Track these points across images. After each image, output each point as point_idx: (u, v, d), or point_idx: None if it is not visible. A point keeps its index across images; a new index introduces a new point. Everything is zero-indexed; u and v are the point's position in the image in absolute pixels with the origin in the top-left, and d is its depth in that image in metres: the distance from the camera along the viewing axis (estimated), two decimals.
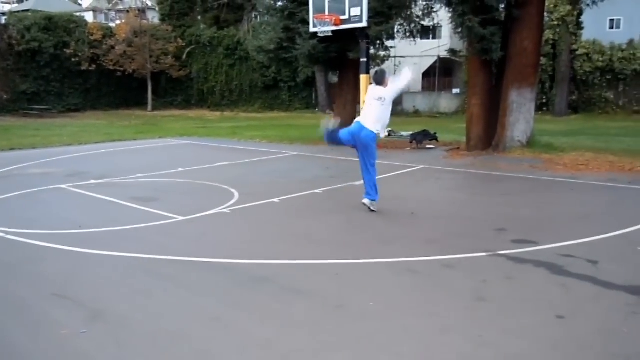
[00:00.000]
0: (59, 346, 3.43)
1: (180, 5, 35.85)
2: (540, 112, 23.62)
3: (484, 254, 5.17)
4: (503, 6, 12.29)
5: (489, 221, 6.53)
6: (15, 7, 58.72)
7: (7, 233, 5.96)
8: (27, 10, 39.16)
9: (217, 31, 35.57)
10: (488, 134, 12.83)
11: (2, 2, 66.92)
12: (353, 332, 3.59)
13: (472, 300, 4.08)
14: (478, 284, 4.39)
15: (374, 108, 6.89)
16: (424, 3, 14.82)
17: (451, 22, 12.49)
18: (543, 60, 23.97)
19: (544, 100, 27.88)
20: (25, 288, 4.41)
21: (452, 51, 16.34)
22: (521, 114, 12.20)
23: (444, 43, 31.70)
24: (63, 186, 8.89)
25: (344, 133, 7.04)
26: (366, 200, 7.00)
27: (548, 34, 25.94)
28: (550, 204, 7.64)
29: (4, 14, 43.41)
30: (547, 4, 19.81)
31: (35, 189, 8.62)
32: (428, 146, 14.29)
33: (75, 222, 6.48)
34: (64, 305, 4.07)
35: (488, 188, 9.12)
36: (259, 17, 34.86)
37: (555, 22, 26.74)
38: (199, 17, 38.24)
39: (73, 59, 30.38)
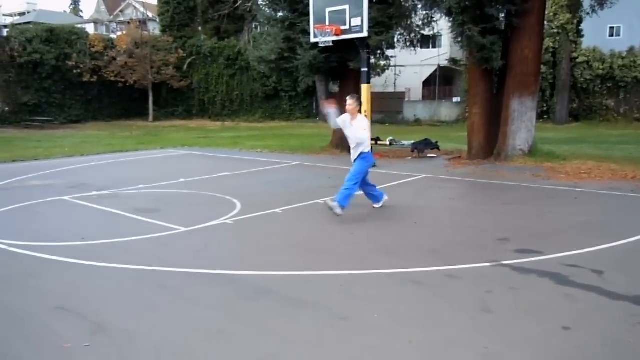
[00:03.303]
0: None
1: (181, 16, 36.04)
2: (540, 120, 23.64)
3: (487, 264, 5.15)
4: (503, 15, 12.34)
5: (492, 231, 6.51)
6: (17, 19, 59.18)
7: (9, 245, 5.96)
8: (29, 23, 39.49)
9: (218, 42, 35.76)
10: (489, 143, 12.85)
11: (4, 15, 67.39)
12: (358, 345, 3.56)
13: (477, 311, 4.06)
14: (482, 295, 4.37)
15: None
16: (424, 13, 14.86)
17: (451, 32, 12.53)
18: (543, 69, 24.04)
19: (545, 109, 27.94)
20: (29, 301, 4.39)
21: (452, 60, 16.38)
22: (523, 123, 12.21)
23: (444, 52, 31.83)
24: (65, 198, 8.89)
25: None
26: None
27: (548, 42, 26.05)
28: (553, 213, 7.62)
29: (5, 26, 43.69)
30: (546, 12, 19.90)
31: (38, 201, 8.62)
32: (429, 155, 14.29)
33: (78, 234, 6.47)
34: (67, 318, 4.05)
35: (490, 197, 9.11)
36: (259, 28, 35.04)
37: (555, 30, 26.86)
38: (200, 28, 38.45)
39: (74, 71, 30.53)
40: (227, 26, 36.85)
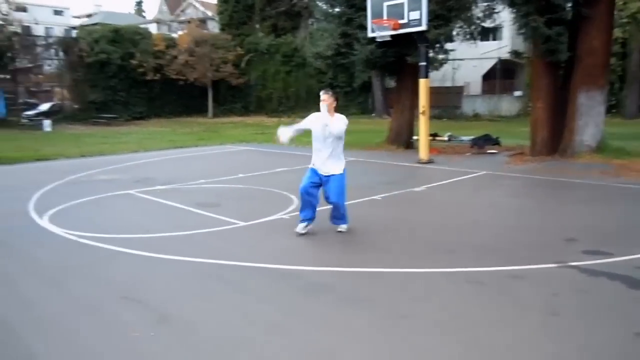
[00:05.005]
0: (129, 348, 3.53)
1: (239, 14, 36.72)
2: (609, 115, 22.46)
3: (554, 265, 4.94)
4: (570, 5, 11.81)
5: (558, 230, 6.25)
6: (85, 21, 62.04)
7: (80, 237, 6.24)
8: (96, 24, 41.26)
9: (275, 39, 36.18)
10: (554, 139, 12.35)
11: (73, 17, 70.77)
12: (419, 344, 3.50)
13: (544, 313, 3.90)
14: (549, 297, 4.19)
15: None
16: (485, 4, 14.43)
17: (514, 23, 12.11)
18: (612, 60, 22.86)
19: (613, 102, 26.59)
20: (98, 290, 4.58)
21: (515, 53, 15.87)
22: (590, 117, 11.67)
23: (505, 44, 30.84)
24: (130, 192, 9.23)
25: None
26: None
27: (617, 33, 24.71)
28: (623, 213, 7.24)
29: (74, 28, 45.82)
30: (616, 1, 18.93)
31: (105, 195, 8.99)
32: (490, 151, 13.91)
33: (143, 227, 6.70)
34: (133, 308, 4.20)
35: (555, 195, 8.75)
36: (315, 24, 35.17)
37: (625, 20, 25.47)
38: (257, 26, 39.01)
39: (138, 69, 31.64)
40: (284, 23, 37.22)
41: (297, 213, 7.25)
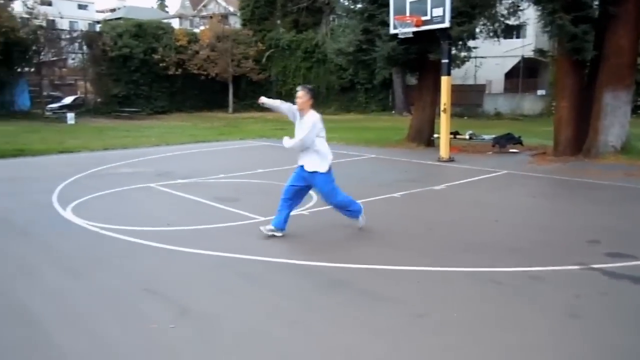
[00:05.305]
0: (149, 340, 3.58)
1: (260, 10, 36.80)
2: (634, 115, 22.03)
3: (575, 266, 4.87)
4: (597, 3, 11.61)
5: (580, 232, 6.16)
6: (108, 15, 62.81)
7: (101, 228, 6.33)
8: (119, 19, 41.68)
9: (296, 34, 36.19)
10: (578, 139, 12.17)
11: (97, 11, 71.73)
12: (436, 343, 3.49)
13: (563, 315, 3.85)
14: (570, 299, 4.14)
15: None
16: (510, 1, 14.24)
17: (539, 21, 11.93)
18: (639, 60, 22.40)
19: (639, 103, 26.03)
20: (119, 282, 4.65)
21: (539, 51, 15.63)
22: (616, 118, 11.48)
23: (529, 42, 30.42)
24: (152, 185, 9.33)
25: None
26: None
27: None
28: None
29: (98, 22, 46.40)
30: None
31: (127, 187, 9.10)
32: (511, 150, 13.75)
33: (164, 220, 6.77)
34: (154, 300, 4.25)
35: (578, 196, 8.63)
36: (337, 20, 35.12)
37: None
38: (279, 21, 39.05)
39: (160, 64, 31.91)
40: (305, 19, 37.17)
41: (317, 209, 7.29)
